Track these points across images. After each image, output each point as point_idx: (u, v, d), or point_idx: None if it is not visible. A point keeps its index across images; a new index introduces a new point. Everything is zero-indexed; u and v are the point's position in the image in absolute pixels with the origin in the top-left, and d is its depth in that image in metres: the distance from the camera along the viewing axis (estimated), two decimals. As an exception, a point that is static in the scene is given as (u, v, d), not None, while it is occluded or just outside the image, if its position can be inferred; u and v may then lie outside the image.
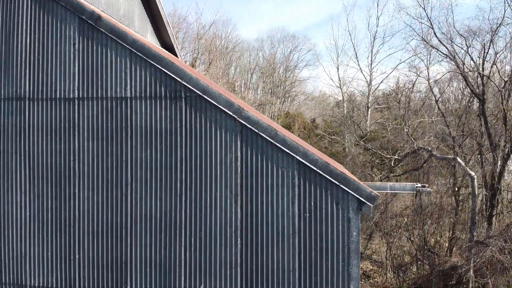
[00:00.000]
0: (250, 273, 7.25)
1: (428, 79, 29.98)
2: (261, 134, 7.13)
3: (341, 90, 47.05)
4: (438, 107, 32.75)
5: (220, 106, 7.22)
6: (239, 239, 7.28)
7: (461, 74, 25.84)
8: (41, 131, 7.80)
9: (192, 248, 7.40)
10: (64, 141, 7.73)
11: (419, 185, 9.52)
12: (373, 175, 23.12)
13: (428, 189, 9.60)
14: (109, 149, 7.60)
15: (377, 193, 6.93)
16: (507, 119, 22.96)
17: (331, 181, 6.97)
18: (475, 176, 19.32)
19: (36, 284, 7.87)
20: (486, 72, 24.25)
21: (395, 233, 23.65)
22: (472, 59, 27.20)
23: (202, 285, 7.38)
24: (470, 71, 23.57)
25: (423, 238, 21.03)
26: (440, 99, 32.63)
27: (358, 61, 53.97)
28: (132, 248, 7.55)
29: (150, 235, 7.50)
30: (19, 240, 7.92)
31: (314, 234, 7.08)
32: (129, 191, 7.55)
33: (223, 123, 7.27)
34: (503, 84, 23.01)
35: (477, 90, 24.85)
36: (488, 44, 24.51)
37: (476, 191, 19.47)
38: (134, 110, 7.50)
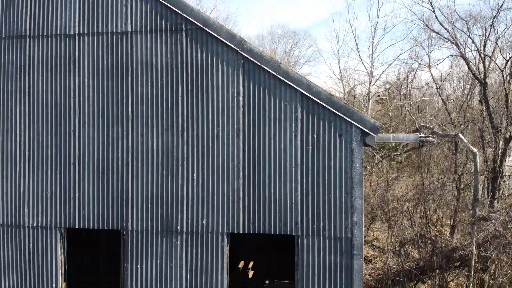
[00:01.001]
0: (252, 207, 7.17)
1: (429, 66, 29.93)
2: (264, 67, 7.05)
3: (342, 82, 46.93)
4: (439, 94, 32.70)
5: (221, 38, 7.14)
6: (241, 173, 7.20)
7: (462, 57, 25.78)
8: (41, 68, 7.72)
9: (195, 184, 7.32)
10: (64, 78, 7.65)
11: (422, 135, 9.44)
12: (374, 153, 23.03)
13: (432, 139, 9.51)
14: (109, 85, 7.52)
15: (380, 124, 6.85)
16: (509, 100, 22.89)
17: (335, 112, 6.89)
18: (477, 153, 19.21)
19: (35, 224, 7.79)
20: (488, 53, 24.16)
21: (397, 217, 23.55)
22: (473, 42, 27.16)
23: (205, 219, 7.30)
24: (471, 51, 23.47)
25: (425, 216, 20.92)
26: (441, 86, 32.58)
27: (359, 52, 53.85)
28: (133, 185, 7.47)
29: (152, 171, 7.42)
30: (18, 179, 7.83)
31: (317, 167, 6.99)
32: (129, 128, 7.47)
33: (224, 57, 7.19)
34: (505, 64, 22.92)
35: (479, 76, 24.78)
36: (489, 29, 24.44)
37: (478, 168, 19.36)
38: (135, 44, 7.42)
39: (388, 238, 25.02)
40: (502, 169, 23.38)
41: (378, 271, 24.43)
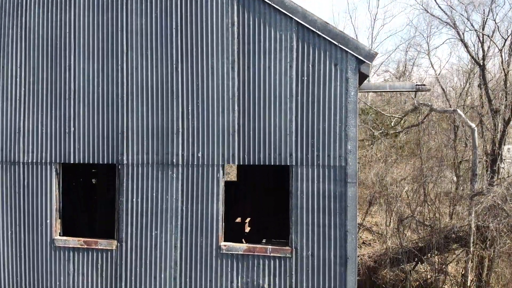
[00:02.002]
0: (247, 138, 7.17)
1: (429, 54, 29.93)
2: (259, -3, 7.04)
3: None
4: (439, 81, 32.72)
5: (217, -31, 7.13)
6: (236, 105, 7.20)
7: (461, 41, 25.80)
8: (37, 4, 7.72)
9: (190, 116, 7.31)
10: (60, 13, 7.65)
11: (418, 83, 9.44)
12: (373, 131, 23.00)
13: (428, 87, 9.52)
14: (104, 19, 7.52)
15: (376, 52, 6.85)
16: (508, 81, 22.87)
17: (330, 41, 6.89)
18: (475, 128, 19.22)
19: (30, 160, 7.79)
20: (486, 33, 24.13)
21: (395, 199, 23.53)
22: (472, 25, 27.17)
23: (200, 152, 7.30)
24: (470, 30, 23.44)
25: (423, 194, 20.91)
26: (440, 74, 32.56)
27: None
28: (129, 118, 7.47)
29: (147, 104, 7.42)
30: (13, 116, 7.83)
31: (311, 97, 6.99)
32: (124, 61, 7.47)
33: (220, -12, 7.19)
34: (503, 43, 22.91)
35: (478, 59, 24.77)
36: (488, 11, 24.44)
37: (477, 143, 19.35)
38: (131, -23, 7.42)
39: (386, 220, 25.02)
40: (501, 151, 23.37)
41: (377, 252, 24.41)
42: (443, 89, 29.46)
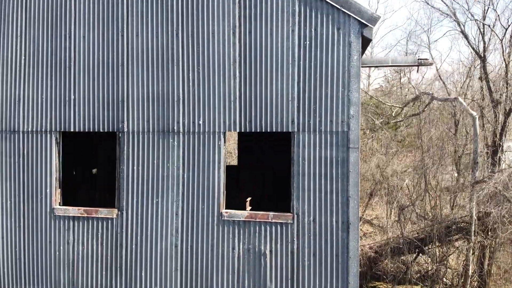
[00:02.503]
0: (249, 105, 7.11)
1: (429, 47, 29.91)
2: (260, -38, 6.98)
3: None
4: (439, 75, 32.70)
5: None
6: (237, 71, 7.14)
7: (462, 32, 25.76)
8: (36, -29, 7.67)
9: (190, 83, 7.26)
10: (60, -20, 7.60)
11: (420, 57, 9.38)
12: (374, 120, 22.93)
13: (430, 61, 9.46)
14: (105, -15, 7.46)
15: (379, 15, 6.79)
16: (508, 72, 22.82)
17: (332, 5, 6.83)
18: (476, 116, 19.16)
19: (30, 129, 7.73)
20: (487, 23, 24.07)
21: (396, 191, 23.48)
22: (472, 16, 27.15)
23: (201, 119, 7.24)
24: (470, 20, 23.35)
25: (424, 182, 20.85)
26: (441, 67, 32.52)
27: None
28: (129, 86, 7.41)
29: (147, 71, 7.36)
30: (13, 85, 7.77)
31: (314, 62, 6.93)
32: (125, 27, 7.41)
33: (221, -48, 7.12)
34: (504, 32, 22.85)
35: (478, 51, 24.72)
36: (488, 2, 24.38)
37: (478, 131, 19.29)
38: None
39: (386, 210, 24.95)
40: (502, 143, 23.30)
41: (377, 243, 24.35)
42: (444, 83, 29.43)
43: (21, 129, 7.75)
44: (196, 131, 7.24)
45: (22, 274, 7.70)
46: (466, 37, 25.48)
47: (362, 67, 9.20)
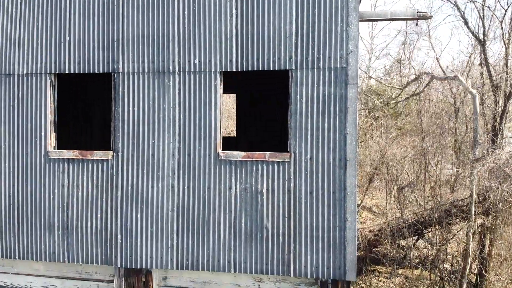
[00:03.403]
0: (245, 43, 7.02)
1: (429, 35, 29.74)
2: None
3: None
4: (439, 64, 32.67)
5: None
6: (233, 8, 7.05)
7: (462, 17, 25.70)
8: None
9: (186, 22, 7.17)
10: None
11: (419, 10, 9.30)
12: (374, 99, 22.86)
13: (429, 14, 9.38)
14: None
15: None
16: (508, 54, 22.73)
17: None
18: (476, 94, 19.08)
19: (25, 72, 7.64)
20: (487, 7, 23.99)
21: (396, 176, 23.38)
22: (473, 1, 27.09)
23: (197, 58, 7.16)
24: (469, 1, 23.28)
25: (425, 162, 20.77)
26: (440, 56, 32.46)
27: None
28: (124, 25, 7.32)
29: (142, 10, 7.27)
30: (9, 27, 7.68)
31: (312, -2, 6.84)
32: (121, -33, 7.33)
33: None
34: (504, 14, 22.76)
35: (478, 35, 24.64)
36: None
37: (478, 109, 19.22)
38: None
39: (386, 190, 24.85)
40: (502, 127, 23.22)
41: (377, 226, 24.26)
42: (443, 71, 29.36)
43: (16, 72, 7.66)
44: (192, 70, 7.16)
45: (16, 218, 7.61)
46: (466, 22, 25.41)
47: (360, 21, 9.12)
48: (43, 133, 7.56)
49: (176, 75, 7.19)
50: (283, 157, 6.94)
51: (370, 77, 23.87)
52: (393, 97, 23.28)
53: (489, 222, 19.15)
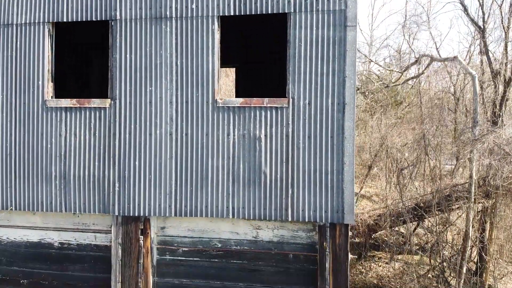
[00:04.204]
0: (243, -12, 6.97)
1: (429, 25, 29.78)
2: None
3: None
4: (439, 54, 32.65)
5: None
6: (232, -46, 7.01)
7: (461, 4, 25.69)
8: None
9: (184, -32, 7.12)
10: None
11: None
12: (374, 82, 22.82)
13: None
14: None
15: None
16: (508, 40, 22.69)
17: None
18: (476, 75, 19.00)
19: (23, 21, 7.60)
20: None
21: (396, 158, 23.32)
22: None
23: (194, 3, 7.11)
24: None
25: (424, 144, 20.73)
26: (440, 46, 32.47)
27: (358, 23, 53.62)
28: (122, -28, 7.28)
29: (141, -43, 7.23)
30: (6, -23, 7.65)
31: None
32: None
33: None
34: (503, -2, 22.70)
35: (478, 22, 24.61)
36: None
37: (478, 90, 19.16)
38: None
39: (386, 174, 24.80)
40: (502, 113, 23.17)
41: (377, 210, 24.21)
42: (443, 60, 29.30)
43: (15, 22, 7.62)
44: (189, 15, 7.11)
45: (13, 168, 7.57)
46: (465, 9, 25.37)
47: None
48: (40, 82, 7.52)
49: (173, 21, 7.15)
50: (282, 102, 6.90)
51: (371, 60, 23.82)
52: (393, 81, 23.23)
53: (490, 203, 19.08)
